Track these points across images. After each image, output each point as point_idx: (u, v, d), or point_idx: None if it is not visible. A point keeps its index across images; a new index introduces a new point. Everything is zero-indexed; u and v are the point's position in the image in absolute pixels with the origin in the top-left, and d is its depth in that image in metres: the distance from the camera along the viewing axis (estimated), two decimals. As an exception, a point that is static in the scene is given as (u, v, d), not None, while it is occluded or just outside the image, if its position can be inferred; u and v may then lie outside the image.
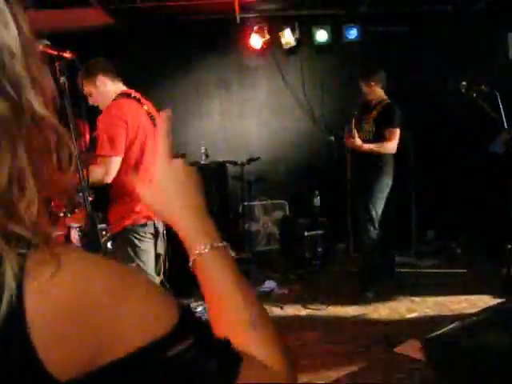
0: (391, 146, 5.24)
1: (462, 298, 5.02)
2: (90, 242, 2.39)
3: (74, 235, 2.85)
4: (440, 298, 5.06)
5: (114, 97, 3.54)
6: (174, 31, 7.01)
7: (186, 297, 5.40)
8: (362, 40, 6.83)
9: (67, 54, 2.63)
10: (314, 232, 6.24)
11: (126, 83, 3.69)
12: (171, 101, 7.12)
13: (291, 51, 7.00)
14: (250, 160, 6.23)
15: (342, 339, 4.31)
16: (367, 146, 5.26)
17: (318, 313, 4.94)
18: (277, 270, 6.22)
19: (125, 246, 3.38)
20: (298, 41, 6.88)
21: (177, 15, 6.76)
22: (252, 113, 7.28)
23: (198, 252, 0.85)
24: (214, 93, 7.25)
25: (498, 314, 3.51)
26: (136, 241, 3.37)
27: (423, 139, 6.62)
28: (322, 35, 6.83)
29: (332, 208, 6.70)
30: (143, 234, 3.40)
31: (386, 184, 5.29)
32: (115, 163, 3.28)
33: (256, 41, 6.84)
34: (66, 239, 3.36)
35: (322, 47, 6.94)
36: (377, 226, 5.22)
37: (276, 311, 5.02)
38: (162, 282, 5.39)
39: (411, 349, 4.04)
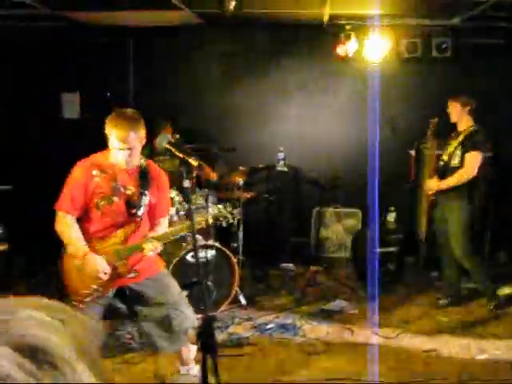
0: (468, 171, 5.26)
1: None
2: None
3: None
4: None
5: None
6: (258, 32, 7.02)
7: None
8: (452, 54, 6.65)
9: (193, 161, 2.67)
10: (386, 249, 6.26)
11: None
12: (251, 102, 7.20)
13: (377, 60, 6.88)
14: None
15: (413, 377, 4.38)
16: (445, 184, 5.33)
17: (389, 342, 5.01)
18: (346, 284, 6.30)
19: None
20: (385, 51, 6.75)
21: (262, 17, 6.75)
22: (331, 118, 7.26)
23: None
24: (295, 96, 7.25)
25: None
26: None
27: (504, 159, 6.52)
28: (410, 47, 6.69)
29: (406, 221, 6.71)
30: None
31: (468, 214, 5.38)
32: None
33: (342, 48, 6.75)
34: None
35: (409, 59, 6.80)
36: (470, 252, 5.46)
37: (347, 336, 5.13)
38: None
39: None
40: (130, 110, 3.39)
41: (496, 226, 6.72)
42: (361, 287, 6.18)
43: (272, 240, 6.86)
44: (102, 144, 3.45)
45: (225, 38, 7.15)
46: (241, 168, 5.87)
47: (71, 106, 7.43)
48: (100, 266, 3.33)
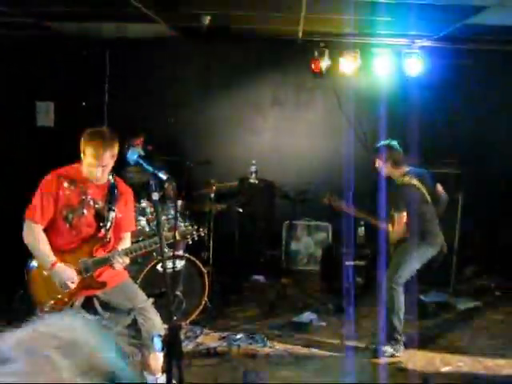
0: (394, 233, 5.23)
1: (498, 353, 5.08)
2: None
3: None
4: (475, 351, 5.12)
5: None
6: (233, 47, 7.11)
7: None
8: (423, 72, 6.80)
9: (163, 175, 2.74)
10: (355, 262, 6.35)
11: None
12: (226, 115, 7.27)
13: (350, 77, 7.01)
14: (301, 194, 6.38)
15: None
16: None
17: (356, 354, 5.06)
18: (315, 296, 6.36)
19: None
20: (358, 67, 6.88)
21: (238, 31, 6.83)
22: (304, 133, 7.36)
23: None
24: (268, 110, 7.34)
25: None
26: None
27: (473, 175, 6.67)
28: (382, 64, 6.83)
29: (376, 237, 6.79)
30: None
31: (416, 252, 5.14)
32: None
33: (316, 64, 6.87)
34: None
35: (382, 75, 6.94)
36: (400, 284, 5.07)
37: (315, 347, 5.16)
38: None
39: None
40: (105, 130, 3.48)
41: (464, 244, 6.84)
42: (330, 300, 6.25)
43: (243, 252, 6.89)
44: (75, 153, 3.48)
45: (200, 52, 7.21)
46: (212, 181, 5.91)
47: (45, 114, 7.42)
48: (68, 275, 3.36)
